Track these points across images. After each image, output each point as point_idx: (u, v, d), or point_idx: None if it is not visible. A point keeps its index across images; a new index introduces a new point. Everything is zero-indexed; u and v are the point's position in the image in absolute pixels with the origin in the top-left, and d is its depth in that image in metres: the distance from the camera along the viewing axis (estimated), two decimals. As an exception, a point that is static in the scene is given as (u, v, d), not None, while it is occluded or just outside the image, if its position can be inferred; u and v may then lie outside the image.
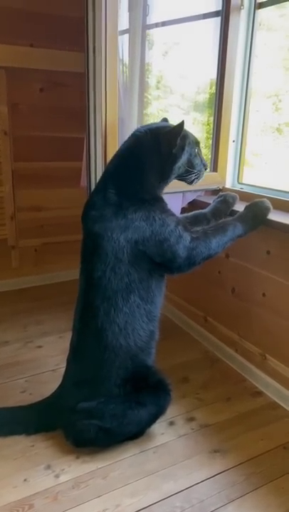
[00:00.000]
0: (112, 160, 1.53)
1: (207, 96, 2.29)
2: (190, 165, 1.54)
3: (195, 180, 1.58)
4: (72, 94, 2.68)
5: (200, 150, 1.57)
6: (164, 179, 1.50)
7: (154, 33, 2.23)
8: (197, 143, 1.55)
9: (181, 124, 1.43)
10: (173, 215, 1.49)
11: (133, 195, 1.43)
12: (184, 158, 1.50)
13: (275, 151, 2.61)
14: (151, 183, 1.47)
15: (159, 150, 1.45)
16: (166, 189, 1.56)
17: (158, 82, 2.40)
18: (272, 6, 1.96)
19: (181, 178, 1.57)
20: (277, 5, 1.95)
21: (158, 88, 2.41)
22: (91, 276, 1.44)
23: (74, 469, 1.47)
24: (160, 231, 1.42)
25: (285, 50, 2.32)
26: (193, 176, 1.56)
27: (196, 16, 2.04)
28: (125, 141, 1.52)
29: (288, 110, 2.49)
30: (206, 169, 1.59)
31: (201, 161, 1.57)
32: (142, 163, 1.45)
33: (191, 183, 1.58)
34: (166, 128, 1.48)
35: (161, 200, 1.49)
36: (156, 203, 1.46)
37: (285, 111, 2.50)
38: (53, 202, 2.87)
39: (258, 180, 2.31)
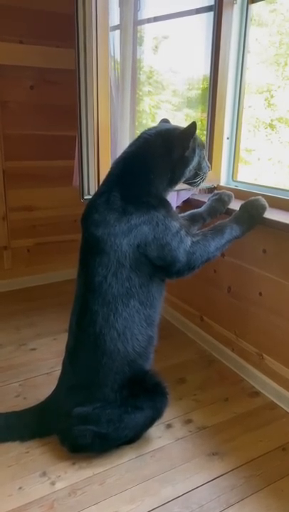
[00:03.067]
0: (117, 162, 1.49)
1: (199, 92, 2.26)
2: (199, 167, 1.52)
3: (200, 183, 1.56)
4: (63, 92, 2.63)
5: (205, 151, 1.55)
6: (174, 183, 1.48)
7: (145, 29, 2.19)
8: (203, 145, 1.54)
9: (194, 125, 1.40)
10: (177, 219, 1.46)
11: (139, 200, 1.40)
12: (195, 161, 1.49)
13: (268, 146, 2.60)
14: (160, 187, 1.44)
15: (170, 153, 1.43)
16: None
17: (149, 78, 2.37)
18: (263, 1, 1.93)
19: (188, 181, 1.55)
20: (268, 0, 1.92)
21: (150, 84, 2.38)
22: (91, 280, 1.40)
23: (70, 476, 1.44)
24: (162, 235, 1.40)
25: (276, 46, 2.30)
26: (199, 179, 1.55)
27: (189, 10, 2.01)
28: (132, 144, 1.49)
29: (281, 106, 2.47)
30: (209, 170, 1.58)
31: (206, 162, 1.56)
32: (151, 167, 1.42)
33: (197, 185, 1.57)
34: (176, 130, 1.45)
35: (166, 204, 1.45)
36: (162, 207, 1.42)
37: (278, 106, 2.49)
38: (45, 201, 2.84)
39: (250, 176, 2.29)
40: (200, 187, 1.61)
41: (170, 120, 1.59)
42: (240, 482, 1.43)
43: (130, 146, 1.50)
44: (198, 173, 1.54)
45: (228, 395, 1.86)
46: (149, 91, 2.41)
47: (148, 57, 2.31)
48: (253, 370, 1.93)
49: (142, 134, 1.49)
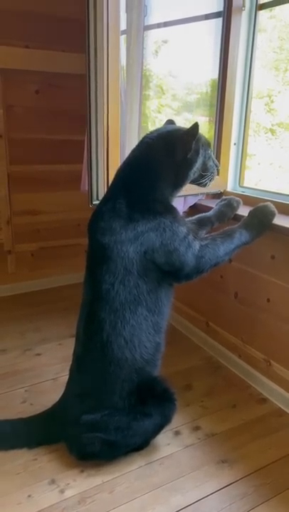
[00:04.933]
0: (121, 169, 1.48)
1: (204, 96, 2.25)
2: (204, 168, 1.50)
3: (208, 183, 1.54)
4: (68, 96, 2.64)
5: (211, 151, 1.53)
6: (178, 186, 1.46)
7: (151, 34, 2.19)
8: (209, 144, 1.51)
9: (196, 126, 1.38)
10: (184, 224, 1.45)
11: (144, 207, 1.39)
12: (199, 163, 1.46)
13: (269, 151, 2.60)
14: (165, 192, 1.42)
15: (172, 156, 1.40)
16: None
17: (149, 82, 2.36)
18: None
19: (194, 182, 1.53)
20: (269, 6, 1.92)
21: (150, 88, 2.37)
22: (98, 288, 1.39)
23: (79, 484, 1.42)
24: (170, 241, 1.38)
25: (276, 51, 2.30)
26: (206, 180, 1.52)
27: (198, 16, 2.01)
28: (135, 149, 1.47)
29: (281, 111, 2.48)
30: (218, 169, 1.56)
31: (213, 161, 1.54)
32: (154, 172, 1.41)
33: (204, 185, 1.54)
34: (178, 132, 1.43)
35: (172, 209, 1.44)
36: (168, 213, 1.41)
37: (278, 111, 2.49)
38: (50, 205, 2.83)
39: (251, 181, 2.29)
40: (208, 189, 1.58)
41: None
42: (251, 490, 1.42)
43: (133, 151, 1.48)
44: (203, 174, 1.51)
45: (236, 401, 1.85)
46: (149, 95, 2.41)
47: (148, 61, 2.31)
48: (261, 376, 1.92)
49: (144, 138, 1.47)
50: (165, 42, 2.34)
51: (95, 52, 1.58)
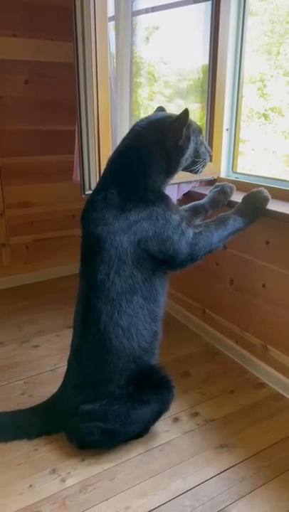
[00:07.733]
0: (112, 158, 1.46)
1: (196, 82, 2.23)
2: (196, 155, 1.48)
3: (201, 170, 1.52)
4: (58, 86, 2.61)
5: (203, 137, 1.51)
6: (170, 174, 1.45)
7: (137, 19, 2.16)
8: (200, 130, 1.49)
9: (186, 112, 1.36)
10: (177, 211, 1.44)
11: (136, 196, 1.37)
12: (190, 149, 1.44)
13: (262, 137, 2.58)
14: (156, 180, 1.41)
15: (163, 144, 1.39)
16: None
17: (141, 69, 2.34)
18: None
19: (187, 169, 1.52)
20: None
21: (141, 75, 2.34)
22: (93, 278, 1.39)
23: (80, 472, 1.44)
24: (163, 230, 1.38)
25: (267, 35, 2.27)
26: (199, 166, 1.51)
27: (186, 0, 1.98)
28: (125, 137, 1.45)
29: (274, 95, 2.45)
30: (210, 155, 1.54)
31: (205, 147, 1.52)
32: (145, 160, 1.39)
33: (196, 172, 1.53)
34: (168, 119, 1.41)
35: (165, 198, 1.43)
36: (160, 201, 1.40)
37: (271, 96, 2.47)
38: (43, 197, 2.81)
39: (245, 167, 2.27)
40: (201, 175, 1.56)
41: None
42: (250, 474, 1.44)
43: (123, 140, 1.46)
44: (196, 161, 1.50)
45: (234, 387, 1.86)
46: (141, 82, 2.38)
47: (139, 48, 2.28)
48: (258, 361, 1.93)
49: (134, 126, 1.45)
50: (156, 28, 2.30)
51: (83, 39, 1.55)
